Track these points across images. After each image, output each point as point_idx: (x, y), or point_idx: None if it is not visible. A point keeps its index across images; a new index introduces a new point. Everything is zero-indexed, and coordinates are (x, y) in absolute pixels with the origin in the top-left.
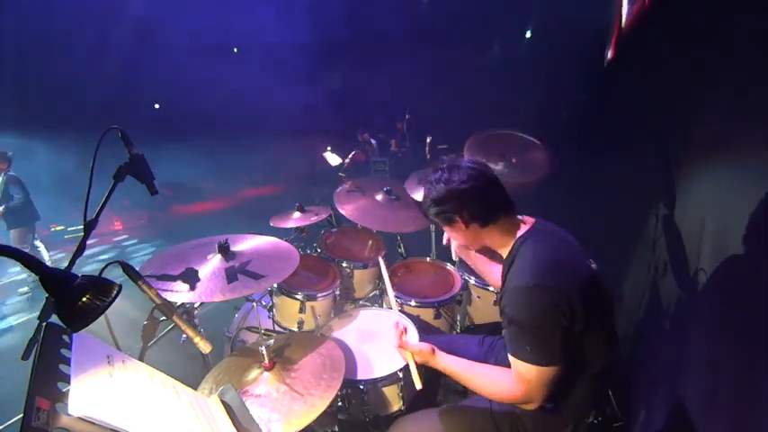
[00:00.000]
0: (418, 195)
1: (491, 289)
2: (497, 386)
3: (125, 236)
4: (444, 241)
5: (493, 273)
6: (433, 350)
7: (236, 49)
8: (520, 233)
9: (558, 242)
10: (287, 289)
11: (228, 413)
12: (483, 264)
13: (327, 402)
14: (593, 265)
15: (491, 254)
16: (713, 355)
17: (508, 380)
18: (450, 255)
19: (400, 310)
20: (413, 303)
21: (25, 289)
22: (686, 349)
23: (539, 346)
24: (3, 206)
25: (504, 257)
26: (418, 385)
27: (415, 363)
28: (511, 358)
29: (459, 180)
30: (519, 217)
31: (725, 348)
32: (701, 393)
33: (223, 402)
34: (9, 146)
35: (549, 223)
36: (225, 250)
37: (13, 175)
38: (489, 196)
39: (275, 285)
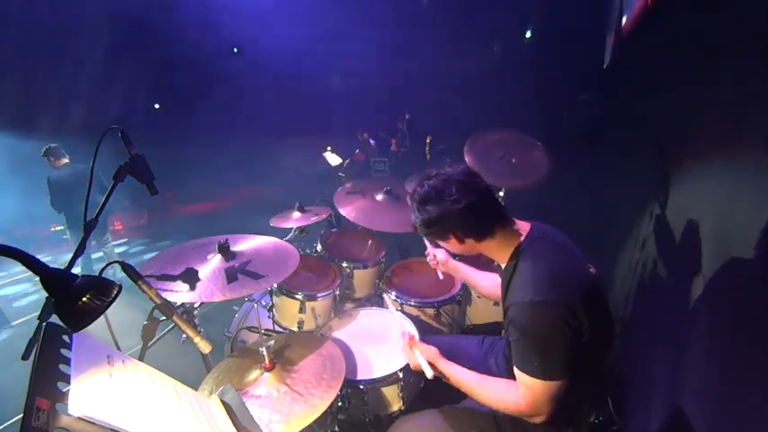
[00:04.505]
0: None
1: None
2: (502, 399)
3: (125, 236)
4: (429, 259)
5: (481, 283)
6: (439, 354)
7: (235, 50)
8: (518, 243)
9: (558, 250)
10: (287, 289)
11: (229, 413)
12: (470, 276)
13: (328, 403)
14: (592, 270)
15: (478, 263)
16: (709, 355)
17: (514, 392)
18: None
19: (400, 311)
20: (413, 303)
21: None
22: (681, 348)
23: (546, 360)
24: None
25: (503, 267)
26: (429, 373)
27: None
28: (517, 371)
29: (451, 198)
30: (516, 224)
31: (721, 348)
32: (696, 393)
33: (223, 403)
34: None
35: (546, 227)
36: (225, 250)
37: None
38: (484, 212)
39: (275, 285)
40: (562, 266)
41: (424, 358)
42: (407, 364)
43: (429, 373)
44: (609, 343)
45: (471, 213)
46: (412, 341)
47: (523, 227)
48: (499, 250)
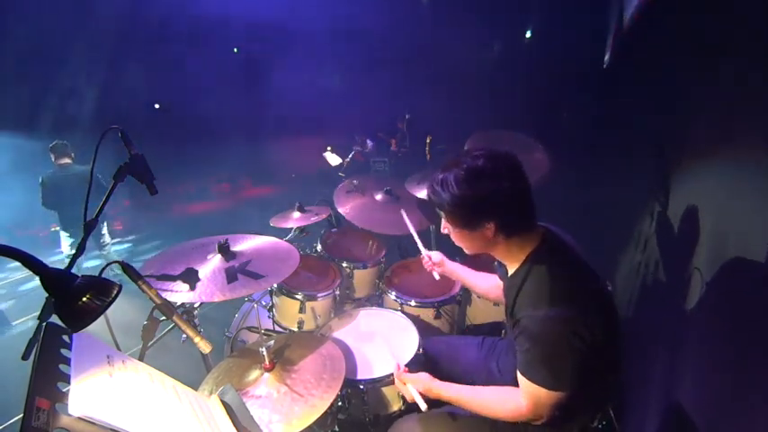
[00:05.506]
0: (421, 194)
1: None
2: (502, 407)
3: (124, 236)
4: (424, 262)
5: (480, 285)
6: (432, 379)
7: (235, 50)
8: (533, 247)
9: (574, 260)
10: (287, 289)
11: (229, 413)
12: (467, 278)
13: (328, 403)
14: (609, 287)
15: (476, 262)
16: (709, 356)
17: (513, 398)
18: (450, 254)
19: (400, 311)
20: (413, 303)
21: None
22: (681, 349)
23: (555, 372)
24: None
25: (511, 273)
26: (423, 406)
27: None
28: (522, 379)
29: (509, 178)
30: (536, 227)
31: (721, 349)
32: (696, 393)
33: (223, 403)
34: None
35: (560, 233)
36: (225, 250)
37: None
38: (527, 204)
39: (275, 285)
40: (579, 280)
41: (417, 390)
42: (407, 364)
43: (423, 407)
44: (618, 357)
45: (522, 201)
46: (401, 376)
47: (538, 230)
48: (516, 252)
